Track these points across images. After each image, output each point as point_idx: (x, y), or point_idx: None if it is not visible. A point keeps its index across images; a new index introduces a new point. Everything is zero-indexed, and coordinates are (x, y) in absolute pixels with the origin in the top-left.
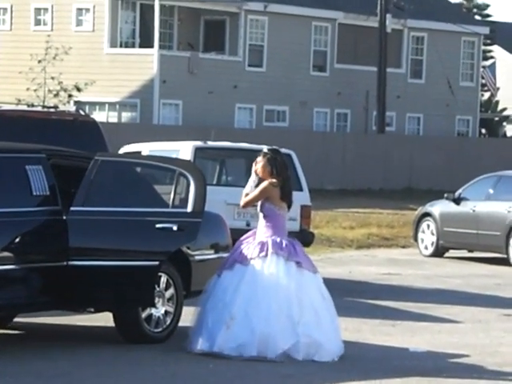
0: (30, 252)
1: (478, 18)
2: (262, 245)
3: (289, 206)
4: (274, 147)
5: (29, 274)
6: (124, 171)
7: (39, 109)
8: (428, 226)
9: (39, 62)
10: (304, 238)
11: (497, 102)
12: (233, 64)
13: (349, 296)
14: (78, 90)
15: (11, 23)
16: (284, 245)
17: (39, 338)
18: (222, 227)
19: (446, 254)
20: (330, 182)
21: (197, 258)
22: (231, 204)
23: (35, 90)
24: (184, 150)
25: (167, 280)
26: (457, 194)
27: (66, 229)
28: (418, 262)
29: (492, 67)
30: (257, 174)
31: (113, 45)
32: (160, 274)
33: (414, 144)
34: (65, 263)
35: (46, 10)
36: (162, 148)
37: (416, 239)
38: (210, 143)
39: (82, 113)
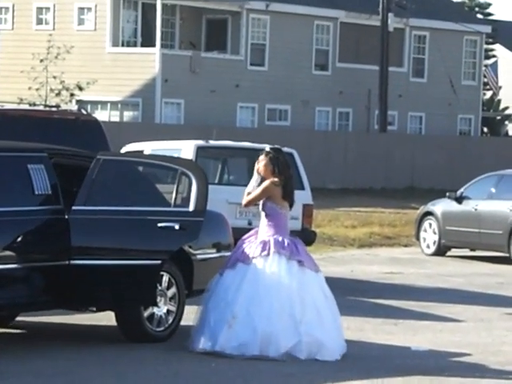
0: (32, 251)
1: (479, 16)
2: (264, 244)
3: (291, 205)
4: (276, 146)
5: (31, 273)
6: (126, 170)
7: (41, 108)
8: (430, 224)
9: (41, 61)
10: (306, 236)
11: (499, 101)
12: (235, 63)
13: (351, 295)
14: (80, 89)
15: (13, 22)
16: (286, 244)
17: (41, 337)
18: (223, 226)
19: (448, 253)
20: (331, 181)
21: (199, 257)
22: (233, 203)
23: (37, 89)
24: (186, 149)
25: (169, 279)
26: (459, 192)
27: (68, 228)
28: (420, 261)
29: (494, 66)
30: (259, 173)
31: (115, 44)
32: (162, 273)
33: (416, 143)
34: (67, 262)
35: (47, 9)
36: (163, 147)
37: (418, 238)
38: (212, 142)
39: (83, 112)
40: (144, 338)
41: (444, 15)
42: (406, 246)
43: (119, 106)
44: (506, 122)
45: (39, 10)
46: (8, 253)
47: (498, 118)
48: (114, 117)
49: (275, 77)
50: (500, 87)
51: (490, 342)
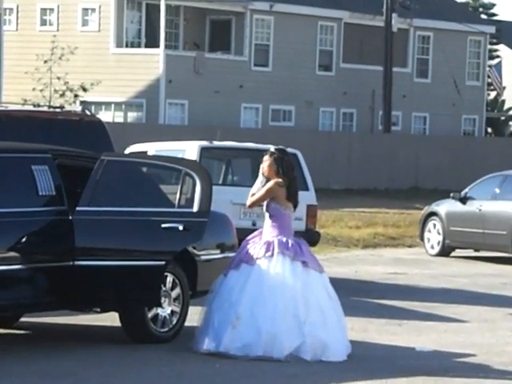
0: (36, 252)
1: (483, 17)
2: (268, 244)
3: (295, 206)
4: (281, 147)
5: (35, 274)
6: (130, 171)
7: (45, 109)
8: (434, 225)
9: (45, 62)
10: (310, 237)
11: (503, 101)
12: (239, 64)
13: (355, 295)
14: (84, 89)
15: (17, 23)
16: (290, 244)
17: (45, 338)
18: (227, 227)
19: (452, 254)
20: (335, 182)
21: (203, 257)
22: (237, 204)
23: (41, 90)
24: (190, 149)
25: (173, 280)
26: (463, 193)
27: (72, 229)
28: (425, 262)
29: (498, 66)
30: (263, 174)
31: (119, 45)
32: (166, 273)
33: (420, 143)
34: (71, 263)
35: (51, 10)
36: (167, 148)
37: (422, 239)
38: (216, 143)
39: (87, 113)
40: (148, 339)
41: (448, 15)
42: (410, 246)
43: (123, 106)
44: (510, 123)
45: (43, 10)
46: (12, 254)
47: (502, 118)
48: (118, 118)
49: (279, 77)
50: (504, 87)
51: (494, 343)
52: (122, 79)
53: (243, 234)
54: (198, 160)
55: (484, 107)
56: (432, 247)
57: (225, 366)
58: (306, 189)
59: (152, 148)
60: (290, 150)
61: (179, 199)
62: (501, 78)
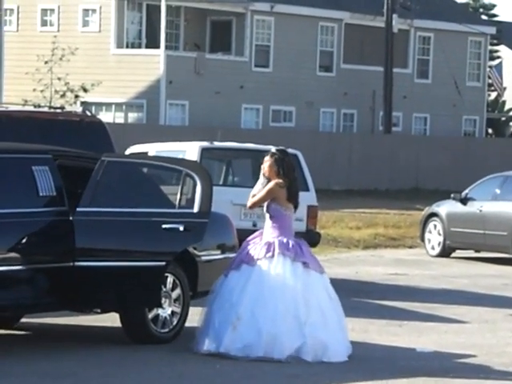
0: (37, 253)
1: (484, 17)
2: (269, 245)
3: (295, 207)
4: (282, 148)
5: (35, 275)
6: (130, 172)
7: (46, 109)
8: (435, 226)
9: (46, 62)
10: (310, 238)
11: (503, 102)
12: (239, 64)
13: (355, 296)
14: (85, 90)
15: (18, 24)
16: (291, 245)
17: (45, 338)
18: (228, 228)
19: (453, 254)
20: (336, 183)
21: (203, 258)
22: (238, 204)
23: (42, 91)
24: (190, 150)
25: (174, 280)
26: (463, 194)
27: (73, 229)
28: (425, 263)
29: (499, 67)
30: (264, 175)
31: (119, 45)
32: (167, 274)
33: (421, 144)
34: (71, 264)
35: (52, 10)
36: (168, 148)
37: (423, 239)
38: (217, 144)
39: (88, 113)
40: (148, 340)
41: (448, 16)
42: (410, 247)
43: (124, 107)
44: (511, 123)
45: (44, 11)
46: (13, 254)
47: (503, 119)
48: (119, 118)
49: (280, 78)
50: (505, 88)
51: (495, 344)
52: (123, 80)
53: (244, 234)
54: (198, 161)
55: (484, 108)
56: (432, 248)
57: (225, 366)
58: (307, 189)
59: (152, 149)
60: (290, 150)
61: (180, 200)
62: (501, 78)
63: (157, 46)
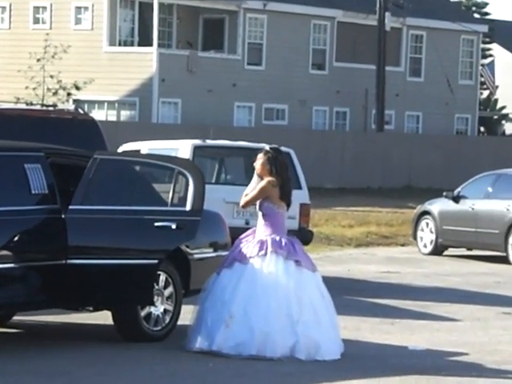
0: (29, 250)
1: (476, 16)
2: (262, 243)
3: (288, 206)
4: (276, 146)
5: (27, 273)
6: (123, 170)
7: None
8: (427, 224)
9: (38, 60)
10: (303, 236)
11: (496, 101)
12: (232, 62)
13: (348, 294)
14: (77, 88)
15: (10, 22)
16: (283, 243)
17: (38, 336)
18: (220, 226)
19: (445, 252)
20: (329, 181)
21: (196, 256)
22: (230, 202)
23: (34, 89)
24: (183, 148)
25: (166, 278)
26: (456, 192)
27: (65, 227)
28: (417, 261)
29: (491, 65)
30: (257, 173)
31: (112, 43)
32: (159, 272)
33: (413, 142)
34: (63, 262)
35: (44, 8)
36: (161, 146)
37: (415, 237)
38: (209, 142)
39: (80, 111)
40: (141, 338)
41: (441, 14)
42: (403, 245)
43: (116, 105)
44: (503, 122)
45: (36, 9)
46: (5, 252)
47: (495, 117)
48: (111, 116)
49: (272, 76)
50: (497, 86)
51: (487, 341)
52: (115, 78)
53: (236, 232)
54: (191, 159)
55: (477, 106)
56: (425, 246)
57: (218, 364)
58: (299, 187)
59: (145, 147)
60: (283, 148)
61: (172, 198)
62: (493, 76)
63: (149, 44)
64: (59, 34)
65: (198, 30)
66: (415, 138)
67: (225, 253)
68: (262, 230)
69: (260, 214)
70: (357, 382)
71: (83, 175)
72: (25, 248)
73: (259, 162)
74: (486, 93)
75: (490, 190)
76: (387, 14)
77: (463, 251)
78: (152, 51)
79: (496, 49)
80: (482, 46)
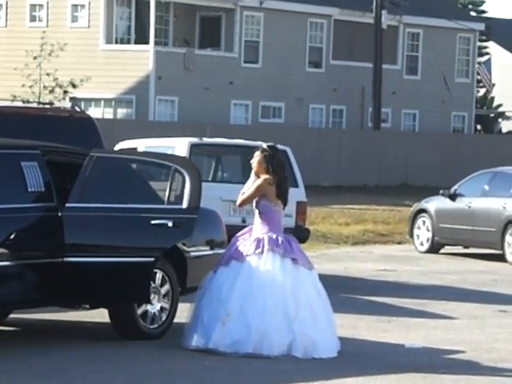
0: (25, 248)
1: (473, 14)
2: (258, 241)
3: (284, 204)
4: (273, 144)
5: (24, 271)
6: (119, 167)
7: (34, 105)
8: (424, 222)
9: (34, 58)
10: (300, 234)
11: (492, 98)
12: (228, 60)
13: (344, 292)
14: (74, 86)
15: (6, 19)
16: (280, 241)
17: (34, 334)
18: (217, 223)
19: (442, 250)
20: (325, 179)
21: (192, 254)
22: (227, 200)
23: (30, 87)
24: (180, 146)
25: (163, 276)
26: (452, 190)
27: (62, 225)
28: (414, 259)
29: (487, 63)
30: (255, 173)
31: (108, 41)
32: (155, 270)
33: (410, 140)
34: (60, 260)
35: (41, 6)
36: (157, 144)
37: (412, 235)
38: (206, 139)
39: (77, 109)
40: (137, 336)
41: (437, 12)
42: (399, 243)
43: (113, 103)
44: (500, 120)
45: (32, 7)
46: (1, 250)
47: (492, 115)
48: (108, 114)
49: (269, 74)
50: (493, 84)
51: (484, 339)
52: (112, 75)
53: (233, 230)
54: (187, 156)
55: (473, 104)
56: (421, 244)
57: (214, 362)
58: (296, 185)
59: (142, 144)
60: (279, 146)
61: (169, 196)
62: (490, 74)
63: (146, 42)
64: (56, 31)
65: (195, 28)
66: (412, 135)
67: (221, 251)
68: (258, 228)
69: (257, 212)
70: (353, 380)
71: (80, 173)
72: (21, 246)
73: (256, 159)
74: (482, 91)
75: (486, 188)
76: (384, 12)
77: (460, 249)
78: (148, 49)
79: (492, 47)
80: (478, 44)
